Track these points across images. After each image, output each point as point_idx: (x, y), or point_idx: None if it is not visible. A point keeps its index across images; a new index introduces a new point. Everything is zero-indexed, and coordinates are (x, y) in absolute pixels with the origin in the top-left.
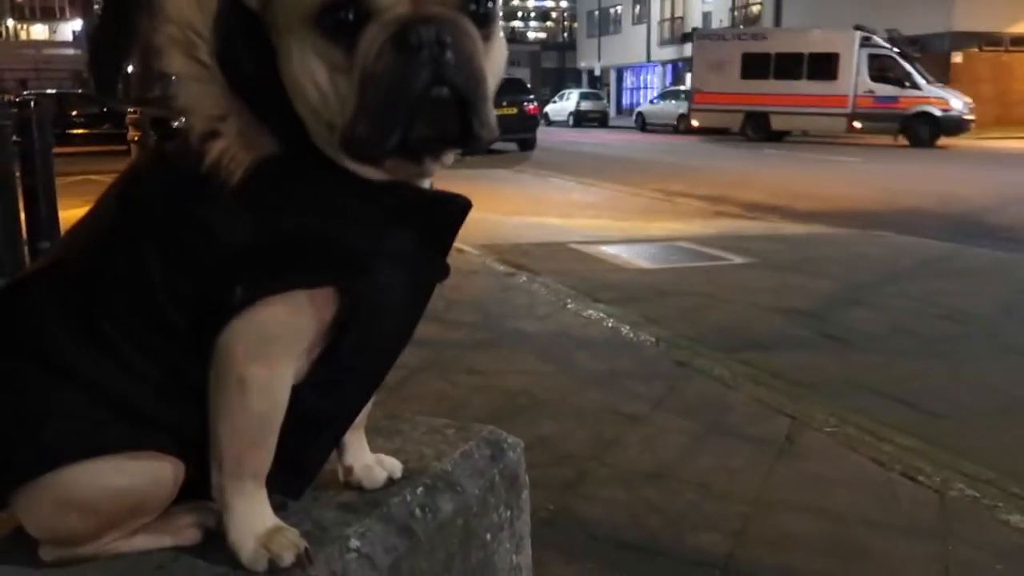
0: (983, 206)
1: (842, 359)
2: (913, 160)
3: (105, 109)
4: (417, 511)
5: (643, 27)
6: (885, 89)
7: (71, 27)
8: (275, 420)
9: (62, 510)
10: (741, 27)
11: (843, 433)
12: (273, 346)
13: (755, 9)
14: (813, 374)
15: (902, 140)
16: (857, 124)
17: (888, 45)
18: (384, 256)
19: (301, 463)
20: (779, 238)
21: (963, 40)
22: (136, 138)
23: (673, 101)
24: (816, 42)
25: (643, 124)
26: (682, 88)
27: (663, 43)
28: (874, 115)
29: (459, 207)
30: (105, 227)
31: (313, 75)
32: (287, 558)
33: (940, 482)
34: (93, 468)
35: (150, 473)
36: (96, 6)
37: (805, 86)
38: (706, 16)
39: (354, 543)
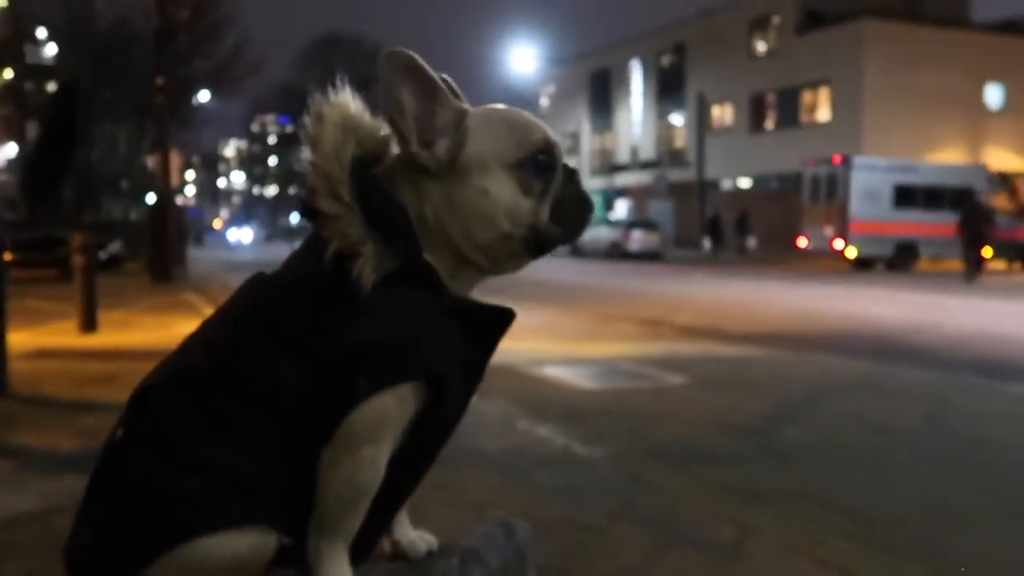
0: (901, 327)
1: (782, 471)
2: (834, 284)
3: (35, 235)
4: None
5: (575, 159)
6: (1006, 221)
7: (2, 153)
8: (374, 491)
9: (187, 574)
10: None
11: (787, 539)
12: (383, 429)
13: (679, 144)
14: (756, 485)
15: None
16: (987, 252)
17: (1004, 181)
18: (457, 358)
19: (370, 531)
20: (714, 359)
21: None
22: (82, 263)
23: (605, 228)
24: (954, 176)
25: (576, 250)
26: (613, 216)
27: (594, 174)
28: (1000, 243)
29: (508, 319)
30: (228, 338)
31: (504, 199)
32: None
33: None
34: (217, 539)
35: (257, 543)
36: (31, 134)
37: (947, 216)
38: (634, 149)
39: None
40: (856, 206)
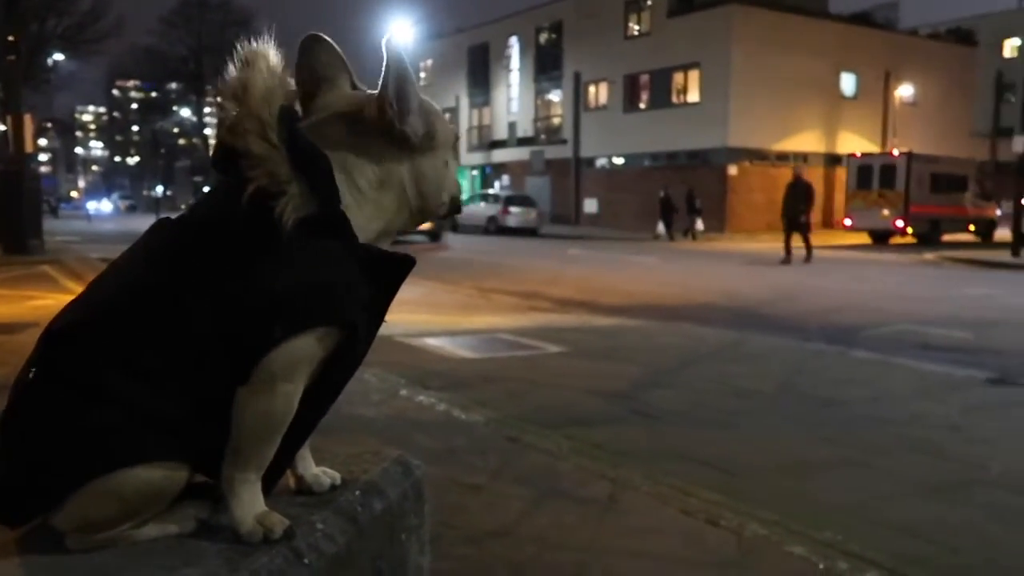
0: (760, 300)
1: (652, 431)
2: (701, 260)
3: None
4: (358, 507)
5: None
6: (978, 202)
7: None
8: (287, 423)
9: (104, 502)
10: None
11: (656, 491)
12: (298, 368)
13: (556, 121)
14: (628, 444)
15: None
16: (971, 227)
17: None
18: (364, 302)
19: (277, 465)
20: (589, 329)
21: (737, 155)
22: None
23: (483, 204)
24: (957, 166)
25: (455, 225)
26: (491, 191)
27: (472, 149)
28: (976, 220)
29: (409, 265)
30: (141, 279)
31: (452, 172)
32: (278, 531)
33: (737, 525)
34: (132, 470)
35: (169, 473)
36: None
37: (954, 199)
38: (512, 125)
39: (319, 525)
40: (913, 191)
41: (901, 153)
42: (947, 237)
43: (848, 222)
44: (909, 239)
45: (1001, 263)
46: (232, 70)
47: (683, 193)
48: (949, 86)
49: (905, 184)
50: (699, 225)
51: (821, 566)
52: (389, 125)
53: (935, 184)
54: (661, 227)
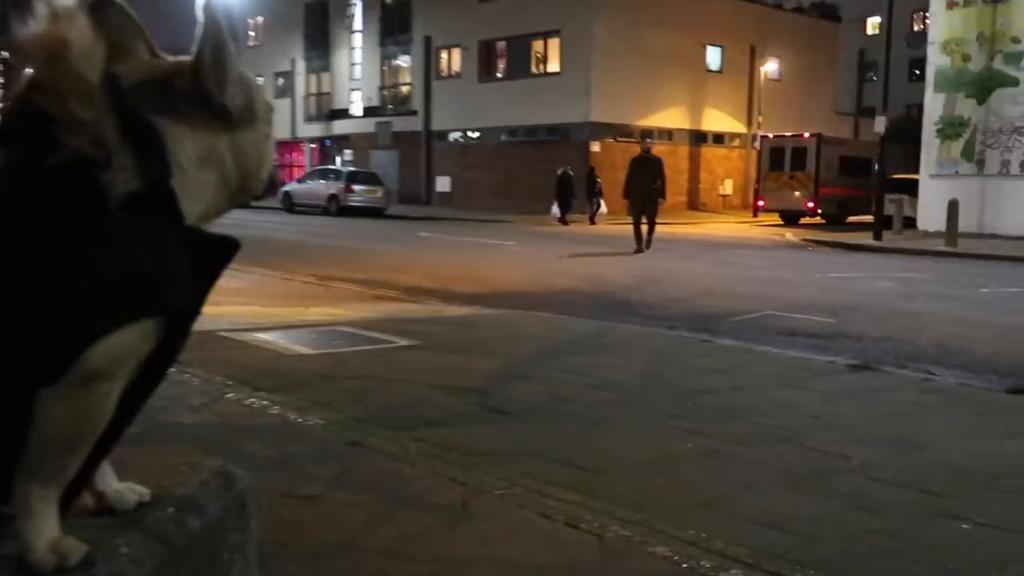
0: (625, 286)
1: (508, 429)
2: (562, 243)
3: None
4: (171, 526)
5: (287, 102)
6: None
7: None
8: (101, 428)
9: None
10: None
11: (512, 494)
12: (122, 365)
13: (404, 90)
14: (482, 445)
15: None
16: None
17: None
18: (192, 292)
19: (78, 479)
20: (441, 320)
21: (600, 131)
22: None
23: (322, 181)
24: (864, 149)
25: (291, 205)
26: (332, 167)
27: (310, 119)
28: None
29: (233, 248)
30: None
31: (264, 149)
32: (74, 558)
33: (598, 527)
34: None
35: None
36: None
37: (861, 181)
38: (355, 94)
39: (124, 549)
40: (823, 174)
41: (811, 135)
42: (853, 218)
43: (761, 203)
44: (818, 219)
45: (863, 246)
46: (37, 23)
47: (583, 174)
48: (813, 62)
49: (815, 166)
50: (602, 208)
51: (684, 566)
52: (207, 96)
53: (843, 167)
54: (556, 209)
